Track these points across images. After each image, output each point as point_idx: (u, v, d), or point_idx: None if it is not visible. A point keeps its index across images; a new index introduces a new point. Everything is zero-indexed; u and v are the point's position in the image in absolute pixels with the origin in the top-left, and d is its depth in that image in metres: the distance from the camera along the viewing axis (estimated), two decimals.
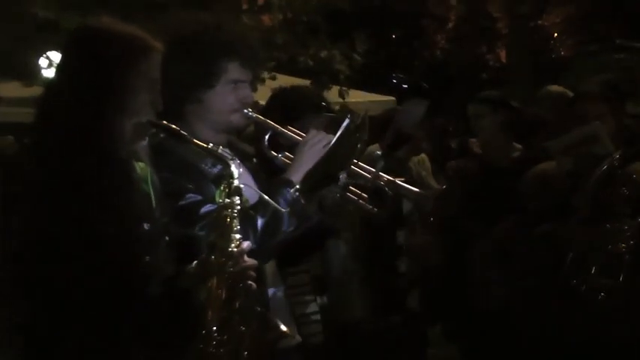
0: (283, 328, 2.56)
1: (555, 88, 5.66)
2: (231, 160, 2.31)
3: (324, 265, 3.70)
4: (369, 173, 2.93)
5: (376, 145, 4.79)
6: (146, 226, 2.24)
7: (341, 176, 2.85)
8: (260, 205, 2.59)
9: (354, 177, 2.91)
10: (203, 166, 2.62)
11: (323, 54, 9.09)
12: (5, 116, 6.73)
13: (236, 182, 2.27)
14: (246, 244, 2.27)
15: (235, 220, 2.25)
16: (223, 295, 2.22)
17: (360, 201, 3.00)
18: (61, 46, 2.46)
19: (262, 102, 3.77)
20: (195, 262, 2.28)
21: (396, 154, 4.83)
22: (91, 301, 2.10)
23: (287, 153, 2.88)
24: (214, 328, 2.20)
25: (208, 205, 2.53)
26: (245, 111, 2.76)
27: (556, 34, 14.56)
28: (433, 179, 5.48)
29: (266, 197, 2.53)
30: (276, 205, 2.55)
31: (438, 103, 8.40)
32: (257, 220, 2.58)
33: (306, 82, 7.83)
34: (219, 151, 2.33)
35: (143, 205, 2.27)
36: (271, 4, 8.80)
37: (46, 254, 2.12)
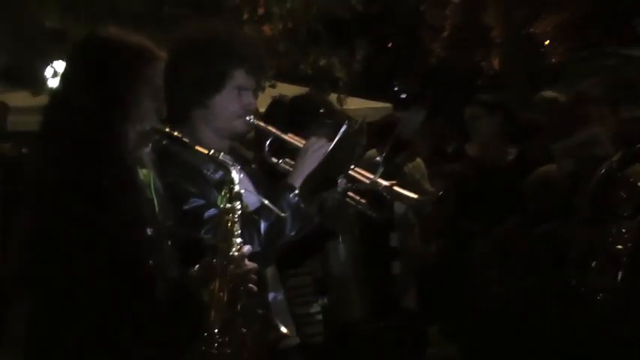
0: (284, 329, 2.60)
1: (549, 93, 5.76)
2: (232, 166, 2.35)
3: (324, 267, 3.73)
4: (367, 178, 2.97)
5: (374, 151, 4.84)
6: (149, 231, 2.26)
7: (340, 180, 2.89)
8: (264, 210, 2.62)
9: (352, 181, 2.95)
10: (206, 171, 2.66)
11: (322, 62, 9.11)
12: (15, 125, 6.76)
13: (237, 188, 2.32)
14: (246, 248, 2.32)
15: (236, 225, 2.29)
16: (225, 298, 2.25)
17: (359, 206, 3.05)
18: (66, 55, 2.49)
19: (262, 109, 3.80)
20: (198, 265, 2.32)
21: (394, 159, 4.88)
22: (92, 302, 2.12)
23: (287, 159, 2.93)
24: (216, 329, 2.24)
25: (212, 210, 2.56)
26: (247, 118, 2.81)
27: (548, 42, 14.63)
28: (428, 183, 5.53)
29: (267, 202, 2.57)
30: (278, 210, 2.59)
31: (434, 108, 8.45)
32: (261, 224, 2.62)
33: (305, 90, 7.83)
34: (221, 157, 2.37)
35: (146, 210, 2.30)
36: (272, 14, 8.81)
37: (46, 255, 2.14)
